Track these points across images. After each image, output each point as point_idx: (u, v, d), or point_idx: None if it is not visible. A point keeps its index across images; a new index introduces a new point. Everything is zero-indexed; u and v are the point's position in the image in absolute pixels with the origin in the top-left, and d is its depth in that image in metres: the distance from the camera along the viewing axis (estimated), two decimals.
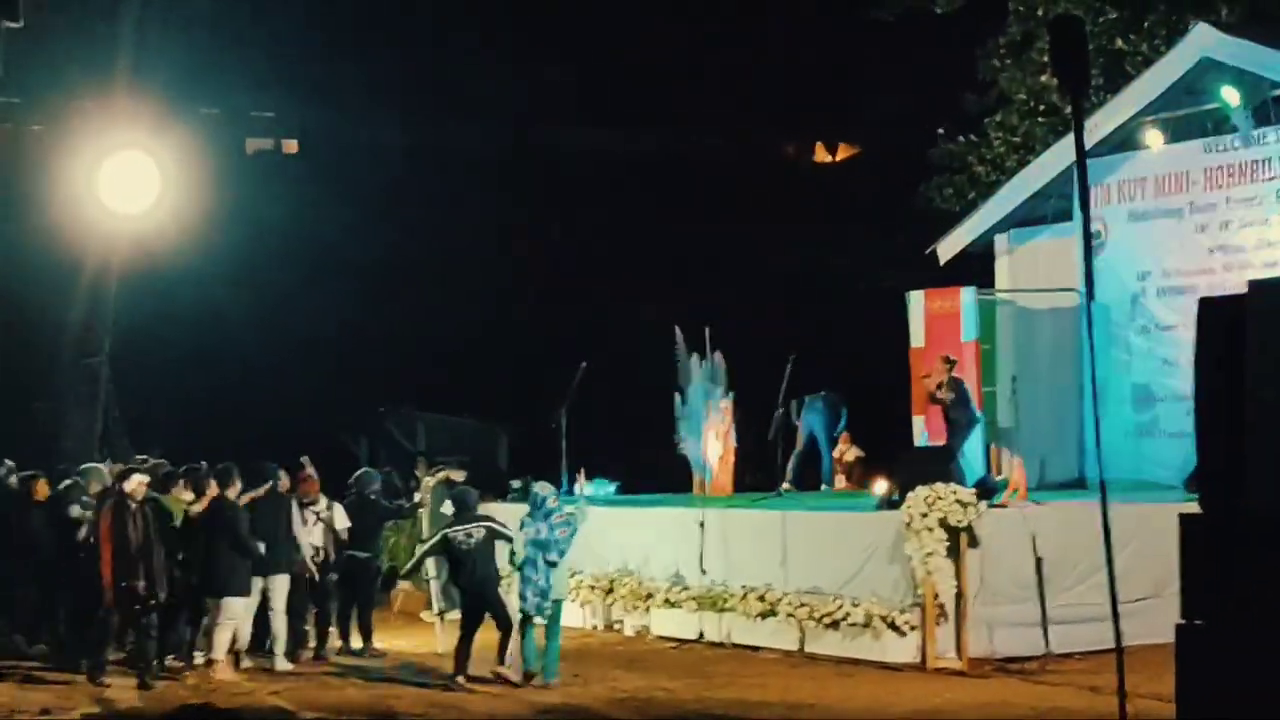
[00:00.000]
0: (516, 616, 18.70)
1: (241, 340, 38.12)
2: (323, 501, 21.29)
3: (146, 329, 33.84)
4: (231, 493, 19.57)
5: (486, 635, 18.74)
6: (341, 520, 21.27)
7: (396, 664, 20.57)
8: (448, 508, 21.22)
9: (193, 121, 35.52)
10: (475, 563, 18.74)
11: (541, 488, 19.38)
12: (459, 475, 23.59)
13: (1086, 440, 25.48)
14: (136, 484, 18.93)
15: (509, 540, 18.98)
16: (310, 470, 21.53)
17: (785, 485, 26.41)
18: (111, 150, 23.05)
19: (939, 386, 24.09)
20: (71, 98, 29.36)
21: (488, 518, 19.34)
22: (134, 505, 18.69)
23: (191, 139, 29.22)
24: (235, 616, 19.31)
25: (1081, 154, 14.59)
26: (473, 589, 18.83)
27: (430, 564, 21.59)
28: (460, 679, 18.39)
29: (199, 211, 27.24)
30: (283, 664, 19.83)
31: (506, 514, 24.60)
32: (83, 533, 20.09)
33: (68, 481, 21.68)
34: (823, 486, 27.78)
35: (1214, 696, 12.83)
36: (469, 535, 18.77)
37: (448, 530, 19.06)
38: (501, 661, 18.40)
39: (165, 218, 24.73)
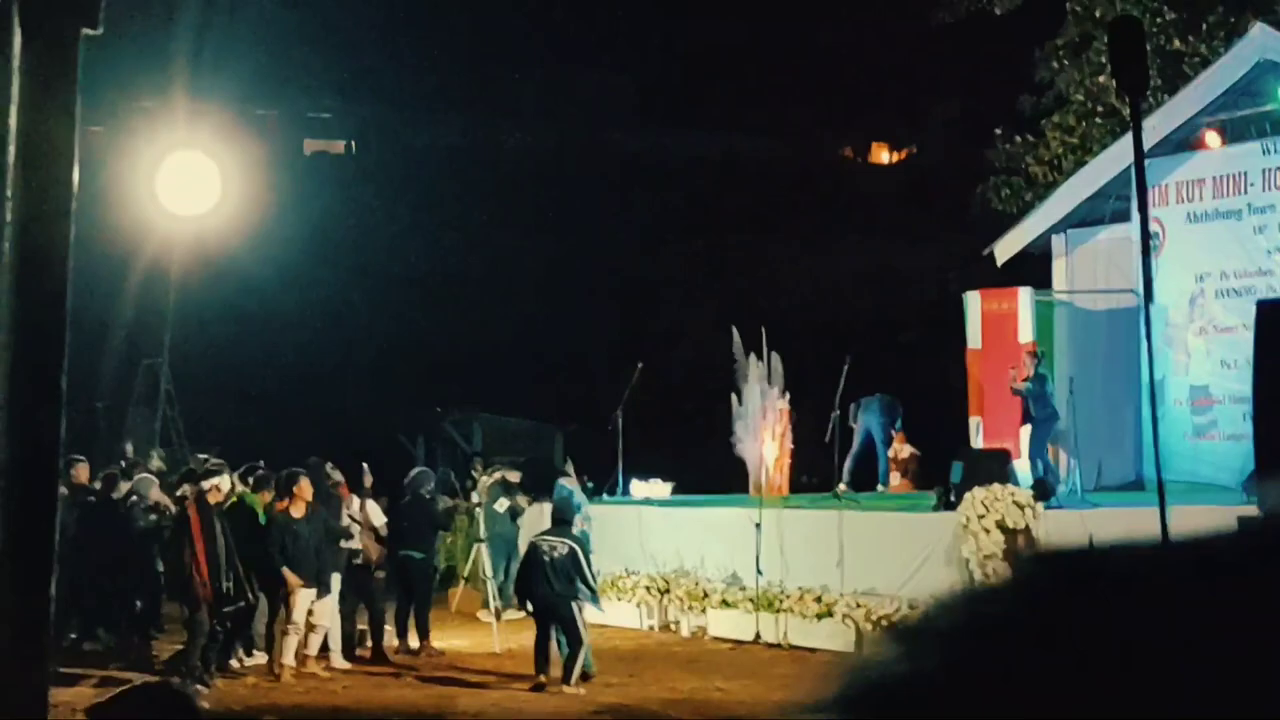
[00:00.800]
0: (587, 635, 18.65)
1: (299, 341, 38.35)
2: (355, 502, 21.28)
3: (205, 330, 34.07)
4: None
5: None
6: (378, 517, 21.24)
7: (454, 663, 20.58)
8: (501, 505, 21.25)
9: (251, 122, 35.70)
10: (552, 575, 18.55)
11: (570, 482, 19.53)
12: (514, 476, 23.67)
13: (1144, 442, 25.41)
14: (217, 485, 19.08)
15: (588, 562, 18.87)
16: (337, 475, 21.51)
17: (841, 486, 26.38)
18: (171, 151, 23.17)
19: (1025, 379, 24.03)
20: (132, 99, 29.58)
21: (578, 540, 19.11)
22: (215, 506, 18.82)
23: (250, 140, 29.40)
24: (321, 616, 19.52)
25: (1140, 155, 14.56)
26: (546, 603, 18.64)
27: (487, 563, 21.61)
28: (542, 678, 18.30)
29: (258, 213, 27.40)
30: (340, 662, 19.90)
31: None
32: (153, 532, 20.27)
33: (134, 479, 21.88)
34: (879, 487, 27.74)
35: None
36: (553, 548, 18.61)
37: (534, 538, 19.03)
38: (567, 682, 18.21)
39: (225, 219, 24.86)
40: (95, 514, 21.41)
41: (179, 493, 19.92)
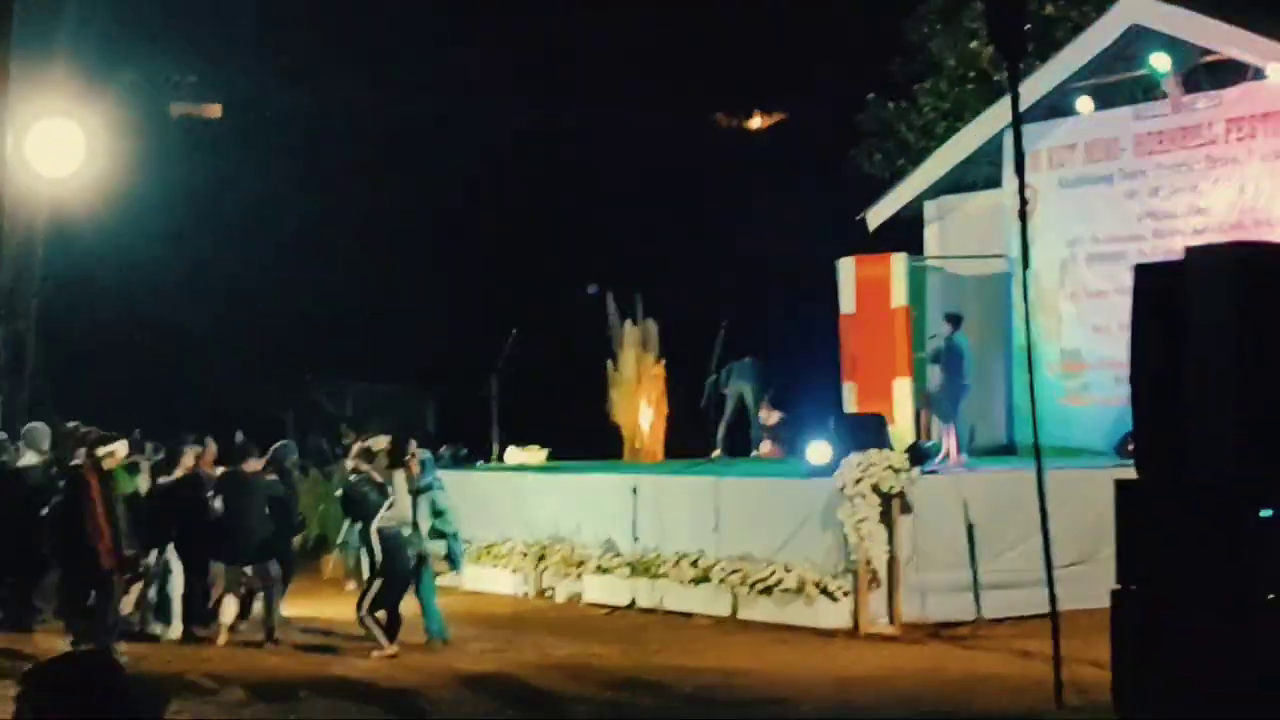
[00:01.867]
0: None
1: (169, 308, 37.90)
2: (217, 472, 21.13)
3: (72, 296, 33.57)
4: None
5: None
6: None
7: (328, 631, 20.38)
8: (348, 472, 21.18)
9: (118, 87, 35.17)
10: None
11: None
12: (381, 443, 23.38)
13: (1014, 406, 25.61)
14: (113, 452, 18.86)
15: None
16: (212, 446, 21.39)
17: (716, 452, 26.38)
18: (37, 116, 22.84)
19: (942, 345, 24.06)
20: None
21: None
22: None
23: (116, 105, 28.97)
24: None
25: (1017, 121, 14.62)
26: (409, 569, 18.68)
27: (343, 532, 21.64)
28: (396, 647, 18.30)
29: (124, 176, 27.02)
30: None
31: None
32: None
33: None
34: (752, 452, 27.69)
35: (1149, 659, 12.90)
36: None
37: (382, 526, 18.92)
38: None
39: (90, 183, 24.52)
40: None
41: (74, 461, 19.60)
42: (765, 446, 28.13)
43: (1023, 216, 14.79)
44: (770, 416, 28.28)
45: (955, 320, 24.14)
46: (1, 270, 28.30)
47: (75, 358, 33.26)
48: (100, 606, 18.22)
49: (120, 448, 19.17)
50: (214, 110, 52.19)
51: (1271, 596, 11.91)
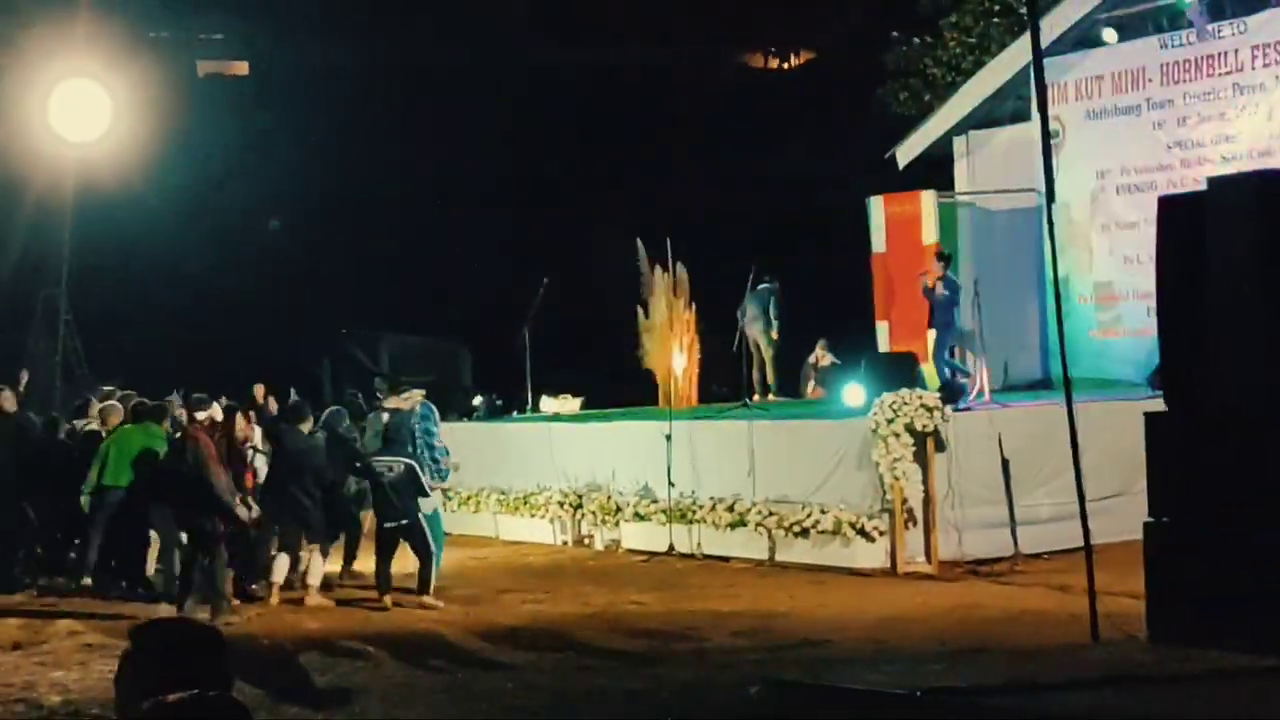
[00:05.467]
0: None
1: (201, 266, 37.98)
2: (257, 435, 21.13)
3: (103, 259, 33.66)
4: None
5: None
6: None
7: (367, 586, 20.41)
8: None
9: (143, 46, 35.20)
10: (393, 495, 18.69)
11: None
12: (414, 397, 23.37)
13: (1049, 340, 25.53)
14: (212, 415, 19.02)
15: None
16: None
17: (757, 397, 26.21)
18: (62, 78, 22.85)
19: (936, 282, 24.00)
20: (18, 25, 29.10)
21: (413, 457, 19.12)
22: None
23: (142, 64, 28.98)
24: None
25: (1038, 53, 14.55)
26: (391, 523, 18.76)
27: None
28: (386, 600, 18.36)
29: (153, 137, 27.05)
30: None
31: (471, 432, 24.73)
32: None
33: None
34: (769, 396, 27.25)
35: (1183, 590, 12.91)
36: (390, 469, 18.65)
37: (370, 460, 19.01)
38: (425, 593, 18.33)
39: (118, 145, 24.52)
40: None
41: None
42: (812, 389, 28.02)
43: (1046, 151, 14.71)
44: (824, 359, 28.17)
45: (945, 259, 24.13)
46: (32, 237, 28.42)
47: (110, 319, 33.35)
48: (210, 570, 18.27)
49: (215, 410, 19.31)
50: (241, 68, 52.25)
51: None
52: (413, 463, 18.74)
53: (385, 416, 20.58)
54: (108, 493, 19.96)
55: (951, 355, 24.74)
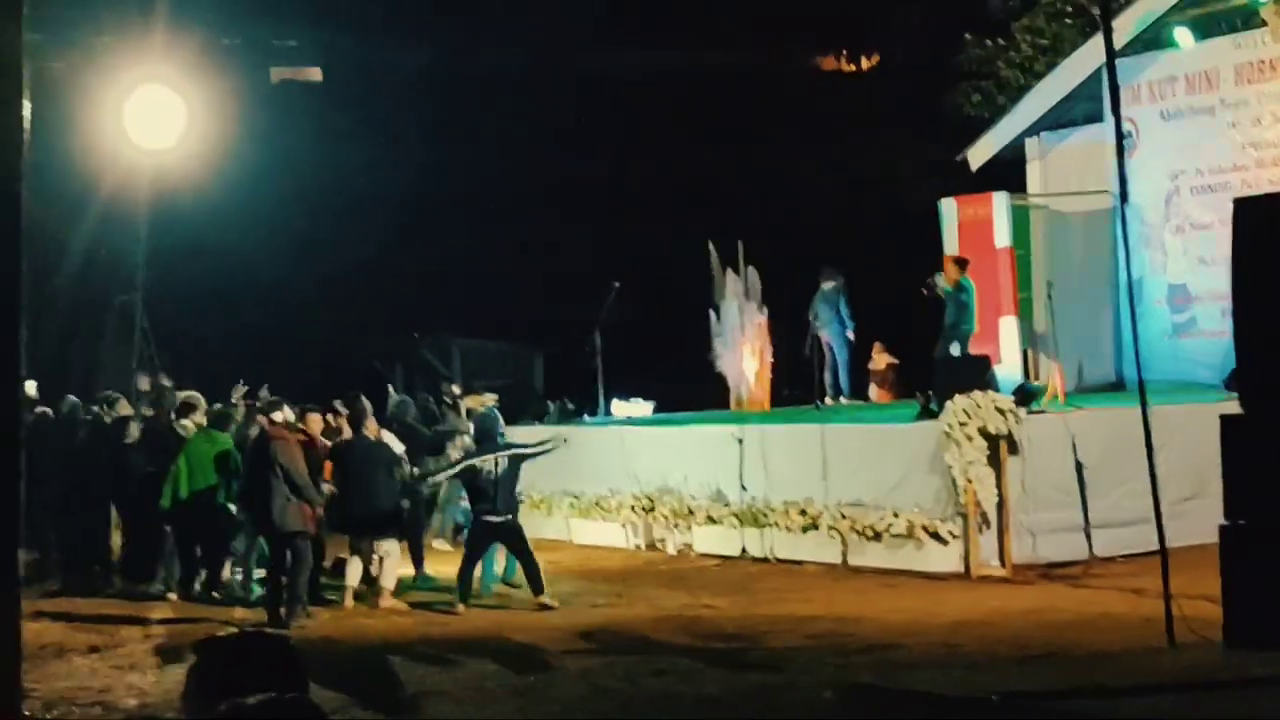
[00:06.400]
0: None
1: (273, 273, 38.18)
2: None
3: (177, 264, 33.85)
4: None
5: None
6: (399, 446, 20.78)
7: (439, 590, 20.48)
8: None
9: (217, 53, 35.40)
10: (499, 490, 18.69)
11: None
12: (486, 400, 23.44)
13: (1123, 342, 25.39)
14: (286, 415, 19.20)
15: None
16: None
17: (829, 399, 26.18)
18: (136, 85, 22.97)
19: (949, 285, 23.90)
20: (95, 32, 29.30)
21: (510, 444, 19.22)
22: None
23: (216, 70, 29.14)
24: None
25: (1111, 54, 14.49)
26: (499, 522, 18.74)
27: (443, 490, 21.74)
28: (460, 607, 18.38)
29: (226, 144, 27.19)
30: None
31: (543, 436, 24.75)
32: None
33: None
34: (840, 399, 27.03)
35: (1259, 594, 12.83)
36: (497, 464, 18.67)
37: (475, 460, 18.99)
38: (543, 592, 18.36)
39: (192, 151, 24.64)
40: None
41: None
42: (874, 392, 27.95)
43: (1120, 151, 14.65)
44: (881, 360, 28.10)
45: (962, 263, 24.01)
46: (106, 243, 28.62)
47: (182, 327, 33.53)
48: (294, 572, 18.39)
49: (287, 412, 19.45)
50: (314, 74, 52.48)
51: None
52: (520, 451, 18.91)
53: (454, 416, 20.73)
54: (183, 502, 20.14)
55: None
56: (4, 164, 3.06)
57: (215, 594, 20.10)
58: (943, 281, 24.03)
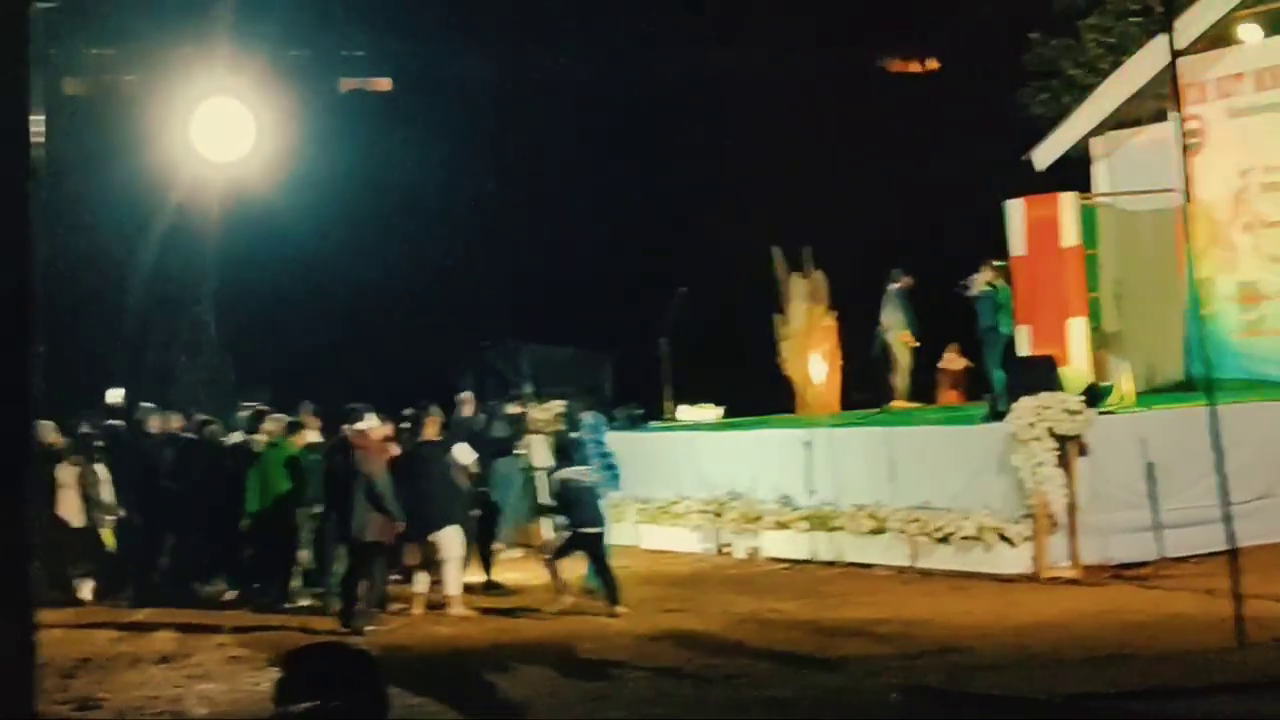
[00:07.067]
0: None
1: (342, 283, 38.35)
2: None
3: (247, 276, 34.08)
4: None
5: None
6: (468, 456, 20.81)
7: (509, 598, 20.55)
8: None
9: (285, 64, 35.58)
10: (592, 502, 18.80)
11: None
12: (555, 409, 23.50)
13: (1192, 341, 25.26)
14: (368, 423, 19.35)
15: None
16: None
17: (897, 402, 26.17)
18: (204, 98, 23.12)
19: (986, 286, 23.86)
20: (164, 46, 29.51)
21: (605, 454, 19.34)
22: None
23: (284, 82, 29.33)
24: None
25: (1173, 51, 14.44)
26: (590, 533, 18.82)
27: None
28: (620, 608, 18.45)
29: (295, 155, 27.35)
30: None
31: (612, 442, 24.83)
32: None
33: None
34: (894, 403, 26.98)
35: None
36: (584, 476, 18.77)
37: (564, 473, 19.04)
38: (618, 601, 18.41)
39: (262, 164, 24.79)
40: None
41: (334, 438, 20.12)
42: (946, 394, 27.89)
43: (1183, 150, 14.60)
44: (955, 363, 28.04)
45: (996, 267, 23.95)
46: (177, 256, 28.86)
47: (254, 336, 33.76)
48: (370, 581, 18.53)
49: (373, 420, 19.58)
50: (383, 84, 52.67)
51: None
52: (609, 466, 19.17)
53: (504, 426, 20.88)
54: (258, 514, 20.37)
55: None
56: (11, 160, 3.11)
57: (286, 602, 20.25)
58: (979, 283, 24.02)
